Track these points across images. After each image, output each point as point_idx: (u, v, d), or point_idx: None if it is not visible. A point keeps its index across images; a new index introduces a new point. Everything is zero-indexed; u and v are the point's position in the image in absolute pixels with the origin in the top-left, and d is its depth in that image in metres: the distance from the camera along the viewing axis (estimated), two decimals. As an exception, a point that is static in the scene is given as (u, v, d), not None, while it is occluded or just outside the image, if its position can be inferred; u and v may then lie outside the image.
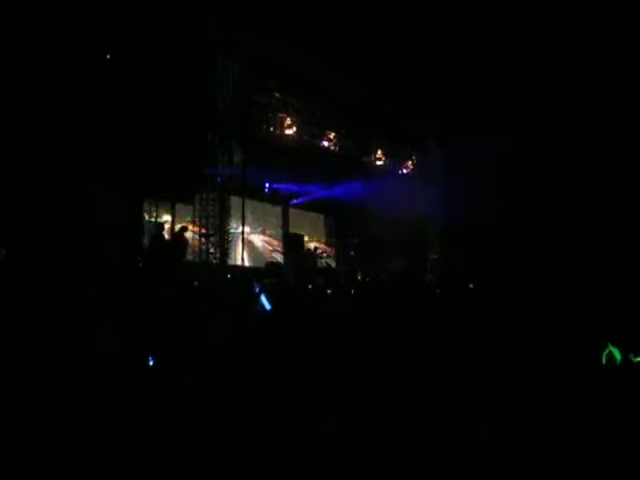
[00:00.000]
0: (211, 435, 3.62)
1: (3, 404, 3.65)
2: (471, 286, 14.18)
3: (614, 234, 14.39)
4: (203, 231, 13.86)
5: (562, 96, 14.93)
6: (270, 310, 9.23)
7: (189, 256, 14.04)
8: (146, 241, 13.41)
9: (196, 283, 12.06)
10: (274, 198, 18.87)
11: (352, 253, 19.18)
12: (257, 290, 10.88)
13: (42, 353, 4.36)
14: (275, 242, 18.99)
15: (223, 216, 13.96)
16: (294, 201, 19.28)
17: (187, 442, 3.56)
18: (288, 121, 15.99)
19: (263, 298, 9.96)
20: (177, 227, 14.42)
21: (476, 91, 15.58)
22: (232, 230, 15.23)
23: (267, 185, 18.23)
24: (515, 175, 16.07)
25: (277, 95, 15.47)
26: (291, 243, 17.49)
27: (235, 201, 15.29)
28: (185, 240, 13.67)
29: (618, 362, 4.54)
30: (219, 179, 13.81)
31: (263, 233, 18.83)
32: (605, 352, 4.58)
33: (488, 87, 15.38)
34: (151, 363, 5.28)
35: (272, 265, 16.77)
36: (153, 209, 14.34)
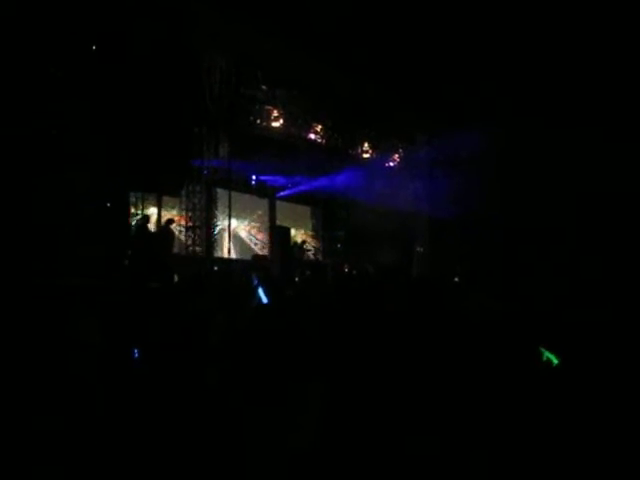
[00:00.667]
0: (197, 426, 3.65)
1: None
2: (456, 279, 14.25)
3: (601, 231, 14.50)
4: (189, 224, 13.85)
5: (552, 90, 15.00)
6: (267, 303, 9.22)
7: (175, 249, 14.02)
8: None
9: (176, 277, 12.01)
10: (261, 190, 18.86)
11: (339, 245, 19.24)
12: (255, 283, 10.87)
13: (20, 343, 4.37)
14: (261, 235, 19.00)
15: (209, 208, 13.97)
16: (281, 193, 19.29)
17: (172, 433, 3.60)
18: (275, 113, 15.99)
19: (260, 291, 9.96)
20: (163, 220, 14.38)
21: (464, 84, 15.62)
22: (218, 222, 15.23)
23: (254, 177, 18.23)
24: (503, 169, 16.16)
25: (264, 87, 15.44)
26: (277, 236, 17.49)
27: (221, 193, 15.30)
28: (171, 233, 13.67)
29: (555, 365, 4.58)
30: (205, 171, 13.81)
31: (249, 225, 18.84)
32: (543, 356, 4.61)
33: (476, 81, 15.43)
34: (136, 355, 5.30)
35: (258, 258, 16.77)
36: (139, 201, 14.29)
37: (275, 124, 16.08)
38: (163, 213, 15.05)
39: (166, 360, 4.59)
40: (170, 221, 13.65)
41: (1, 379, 3.85)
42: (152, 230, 13.63)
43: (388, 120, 18.35)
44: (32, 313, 5.36)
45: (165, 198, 15.41)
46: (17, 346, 4.42)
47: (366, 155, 19.09)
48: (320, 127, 17.55)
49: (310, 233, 20.56)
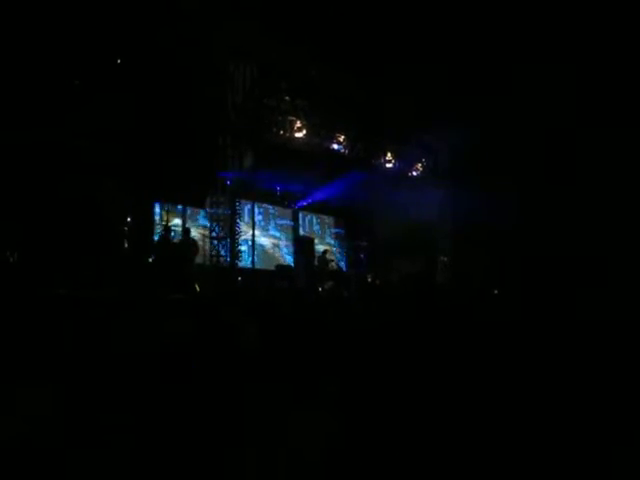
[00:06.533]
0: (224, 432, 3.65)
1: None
2: (496, 292, 14.12)
3: (622, 229, 14.33)
4: (214, 234, 13.89)
5: (567, 93, 14.91)
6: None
7: (199, 259, 14.05)
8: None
9: (197, 287, 12.00)
10: (284, 201, 18.91)
11: (362, 256, 19.16)
12: None
13: (58, 354, 4.41)
14: (285, 245, 19.02)
15: (234, 219, 13.99)
16: (304, 204, 19.31)
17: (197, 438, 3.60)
18: (298, 124, 15.97)
19: None
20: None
21: (482, 92, 15.58)
22: (242, 233, 15.26)
23: (277, 188, 18.28)
24: (525, 176, 16.05)
25: (287, 98, 15.46)
26: (301, 246, 17.49)
27: (245, 204, 15.35)
28: (193, 243, 13.74)
29: None
30: (229, 182, 13.84)
31: (273, 236, 18.86)
32: None
33: (493, 87, 15.39)
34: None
35: (282, 268, 16.78)
36: (164, 212, 14.37)
37: (298, 134, 16.07)
38: (188, 224, 15.12)
39: (192, 367, 4.59)
40: (187, 231, 13.67)
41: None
42: (175, 241, 13.69)
43: (410, 129, 18.29)
44: (54, 323, 5.40)
45: (190, 209, 15.49)
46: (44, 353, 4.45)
47: (389, 165, 19.00)
48: (343, 137, 17.52)
49: (333, 243, 20.54)
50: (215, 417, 3.87)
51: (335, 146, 17.46)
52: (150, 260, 12.57)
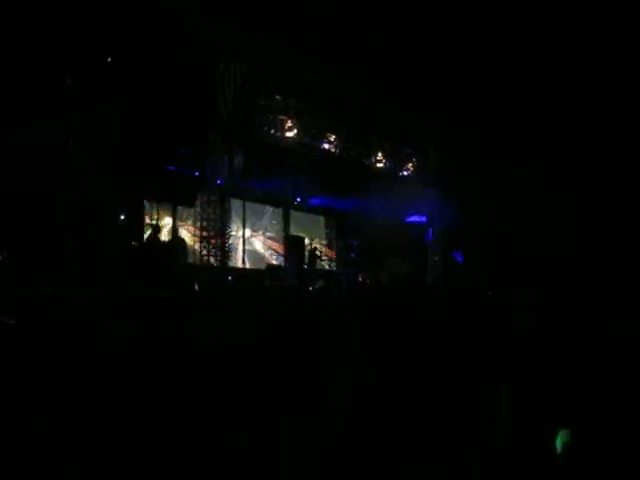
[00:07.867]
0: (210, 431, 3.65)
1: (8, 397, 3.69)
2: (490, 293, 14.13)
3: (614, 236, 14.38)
4: (204, 234, 13.86)
5: (561, 98, 14.97)
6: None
7: (190, 259, 14.04)
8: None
9: (196, 286, 12.02)
10: (275, 200, 18.88)
11: (353, 255, 19.17)
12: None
13: (42, 350, 4.40)
14: (276, 244, 19.00)
15: (224, 218, 13.96)
16: (295, 203, 19.30)
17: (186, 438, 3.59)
18: (289, 123, 15.92)
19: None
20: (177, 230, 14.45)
21: (474, 93, 15.62)
22: (233, 232, 15.25)
23: (268, 188, 18.25)
24: (514, 177, 16.10)
25: (278, 97, 15.42)
26: (292, 245, 17.49)
27: (235, 203, 15.33)
28: (181, 242, 13.73)
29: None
30: (220, 181, 13.81)
31: (264, 235, 18.85)
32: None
33: (486, 88, 15.43)
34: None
35: (273, 267, 16.79)
36: (154, 211, 14.37)
37: (289, 134, 16.02)
38: (178, 223, 15.10)
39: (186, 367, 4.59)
40: (176, 230, 13.75)
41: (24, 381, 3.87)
42: (163, 240, 13.71)
43: (401, 128, 18.31)
44: (45, 322, 5.38)
45: (180, 208, 15.46)
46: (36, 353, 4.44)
47: (380, 165, 18.97)
48: (334, 137, 17.47)
49: (324, 242, 20.53)
50: (202, 420, 3.87)
51: (326, 146, 17.42)
52: (139, 258, 12.55)
